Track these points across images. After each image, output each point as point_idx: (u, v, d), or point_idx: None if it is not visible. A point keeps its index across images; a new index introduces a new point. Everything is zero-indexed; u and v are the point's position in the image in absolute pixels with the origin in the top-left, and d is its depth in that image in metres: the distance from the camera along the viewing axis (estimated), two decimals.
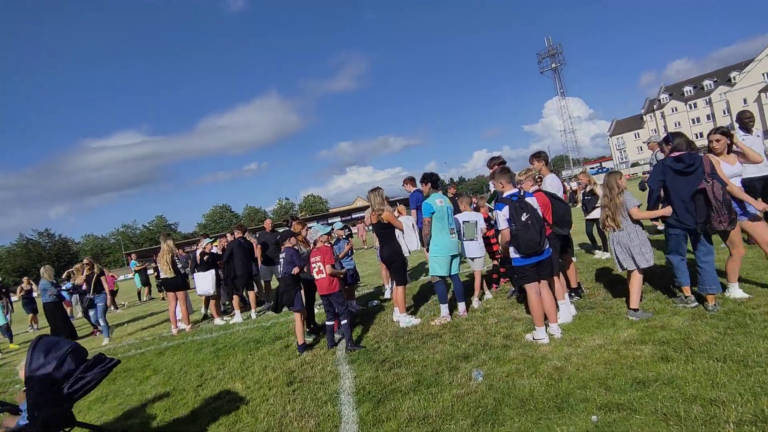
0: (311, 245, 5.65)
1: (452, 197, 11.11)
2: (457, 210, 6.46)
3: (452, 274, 5.70)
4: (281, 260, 5.70)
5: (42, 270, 10.70)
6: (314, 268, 5.42)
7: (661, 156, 8.21)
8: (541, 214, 4.38)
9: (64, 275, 11.57)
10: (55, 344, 2.94)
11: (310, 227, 5.58)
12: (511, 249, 4.42)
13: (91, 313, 9.49)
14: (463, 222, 6.30)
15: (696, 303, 4.48)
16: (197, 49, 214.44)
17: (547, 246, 4.37)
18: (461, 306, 5.75)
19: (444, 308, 5.66)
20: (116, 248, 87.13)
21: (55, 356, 2.84)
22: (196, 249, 9.60)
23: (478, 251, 6.29)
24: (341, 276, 5.66)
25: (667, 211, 4.51)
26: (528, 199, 4.39)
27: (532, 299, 4.39)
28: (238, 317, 8.35)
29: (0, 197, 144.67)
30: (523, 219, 4.23)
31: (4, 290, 13.13)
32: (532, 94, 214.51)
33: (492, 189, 7.25)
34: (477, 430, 2.97)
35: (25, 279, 12.82)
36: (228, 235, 9.49)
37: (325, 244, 5.55)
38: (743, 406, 2.67)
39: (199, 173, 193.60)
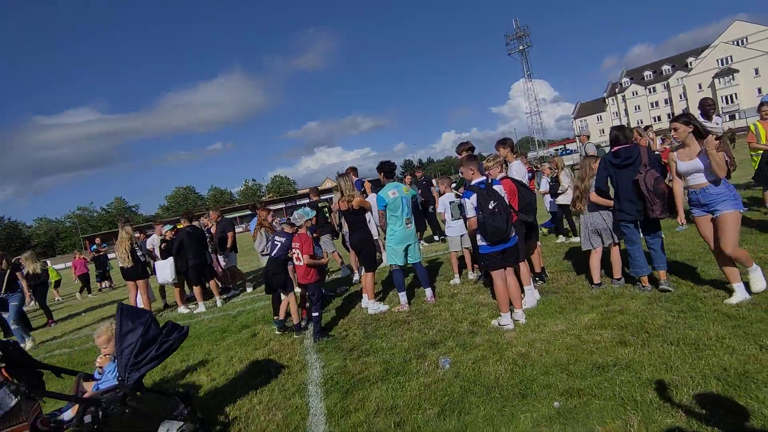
0: (294, 230, 5.54)
1: (422, 180, 11.22)
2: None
3: (414, 262, 5.74)
4: (268, 243, 5.63)
5: (24, 258, 10.04)
6: (294, 254, 5.36)
7: (591, 148, 8.49)
8: (507, 202, 4.43)
9: None
10: (137, 311, 3.24)
11: (297, 211, 5.46)
12: (479, 236, 4.46)
13: (5, 315, 8.25)
14: (449, 203, 6.54)
15: (651, 290, 4.67)
16: (157, 22, 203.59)
17: (514, 233, 4.43)
18: (428, 292, 5.80)
19: (402, 296, 5.71)
20: (72, 232, 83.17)
21: (141, 322, 3.06)
22: (146, 238, 9.20)
23: (459, 230, 6.53)
24: (320, 266, 5.59)
25: (608, 202, 4.88)
26: (496, 187, 4.42)
27: (498, 286, 4.45)
28: (201, 307, 8.13)
29: None
30: (490, 207, 4.25)
31: None
32: (500, 76, 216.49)
33: (461, 175, 7.29)
34: (443, 420, 3.01)
35: None
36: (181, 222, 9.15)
37: (306, 231, 5.47)
38: (694, 389, 2.81)
39: (160, 153, 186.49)
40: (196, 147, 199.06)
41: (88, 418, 2.84)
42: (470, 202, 4.44)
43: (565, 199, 7.74)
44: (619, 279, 5.07)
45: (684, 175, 4.18)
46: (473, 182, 4.54)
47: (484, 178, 4.52)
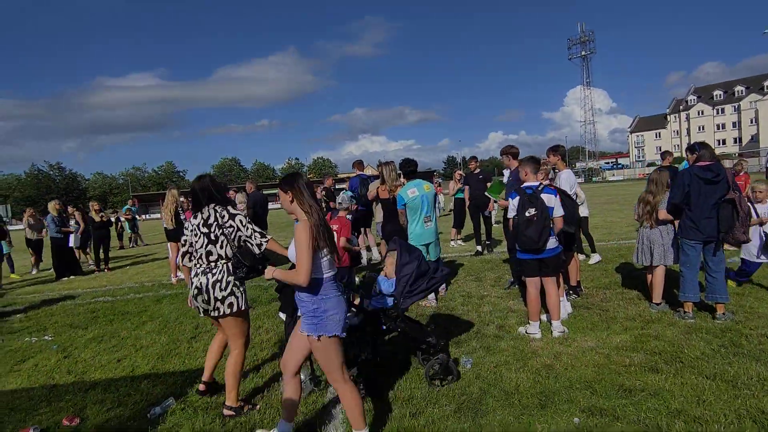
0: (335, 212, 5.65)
1: (479, 174, 9.92)
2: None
3: (432, 261, 5.72)
4: None
5: (50, 205, 10.84)
6: None
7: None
8: (557, 213, 4.33)
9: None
10: (411, 248, 3.68)
11: (343, 194, 5.58)
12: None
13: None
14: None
15: (693, 319, 4.46)
16: None
17: (556, 245, 4.32)
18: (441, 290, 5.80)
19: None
20: (124, 189, 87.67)
21: (415, 257, 3.49)
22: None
23: None
24: (354, 252, 5.66)
25: (672, 218, 4.73)
26: (544, 196, 4.30)
27: (531, 294, 4.38)
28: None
29: (14, 125, 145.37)
30: (527, 214, 4.17)
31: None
32: (556, 81, 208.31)
33: (505, 175, 7.13)
34: (459, 418, 3.01)
35: (27, 211, 12.53)
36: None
37: (346, 215, 5.56)
38: (726, 427, 2.68)
39: (210, 123, 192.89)
40: (244, 121, 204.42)
41: (369, 327, 3.49)
42: (513, 203, 4.37)
43: (584, 212, 7.35)
44: (659, 303, 4.86)
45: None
46: (524, 185, 4.46)
47: (537, 183, 4.40)
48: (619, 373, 3.47)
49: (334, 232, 5.31)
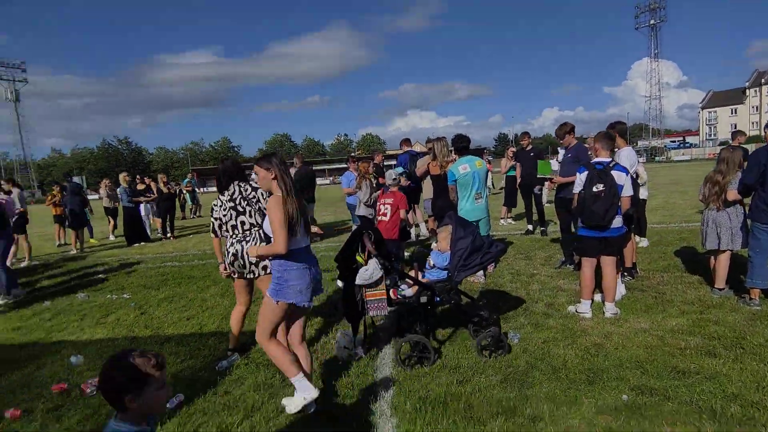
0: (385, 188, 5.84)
1: (530, 151, 9.24)
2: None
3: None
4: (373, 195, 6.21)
5: (120, 176, 11.74)
6: (379, 210, 5.61)
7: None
8: (626, 192, 4.21)
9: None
10: (465, 222, 3.83)
11: (393, 170, 5.77)
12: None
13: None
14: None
15: (759, 306, 4.24)
16: None
17: (621, 225, 4.23)
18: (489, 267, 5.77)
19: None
20: (185, 163, 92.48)
21: (470, 231, 3.62)
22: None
23: None
24: (404, 226, 5.82)
25: (741, 199, 4.46)
26: (615, 173, 4.17)
27: (585, 272, 4.33)
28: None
29: (85, 101, 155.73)
30: (594, 190, 4.08)
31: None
32: (620, 53, 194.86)
33: (560, 153, 6.94)
34: (505, 388, 3.11)
35: (104, 182, 13.65)
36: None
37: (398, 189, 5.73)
38: None
39: (263, 100, 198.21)
40: (295, 98, 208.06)
41: (423, 298, 3.63)
42: (580, 178, 4.29)
43: (643, 194, 6.94)
44: (722, 288, 4.65)
45: None
46: (594, 159, 4.36)
47: (609, 160, 4.27)
48: (673, 355, 3.41)
49: (387, 206, 5.51)
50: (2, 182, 9.25)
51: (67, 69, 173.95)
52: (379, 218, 5.62)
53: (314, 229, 4.03)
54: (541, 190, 8.65)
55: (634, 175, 5.73)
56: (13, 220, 7.68)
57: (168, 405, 3.15)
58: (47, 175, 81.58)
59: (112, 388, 1.39)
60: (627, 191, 4.23)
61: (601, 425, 2.62)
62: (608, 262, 4.28)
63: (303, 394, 2.85)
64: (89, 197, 14.84)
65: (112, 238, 12.75)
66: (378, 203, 5.72)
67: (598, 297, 4.57)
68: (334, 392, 3.24)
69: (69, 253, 10.58)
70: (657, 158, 63.46)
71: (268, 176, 2.80)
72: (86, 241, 11.69)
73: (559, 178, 5.89)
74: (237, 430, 2.84)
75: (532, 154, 8.68)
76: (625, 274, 5.32)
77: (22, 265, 9.18)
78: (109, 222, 13.02)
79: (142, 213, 12.10)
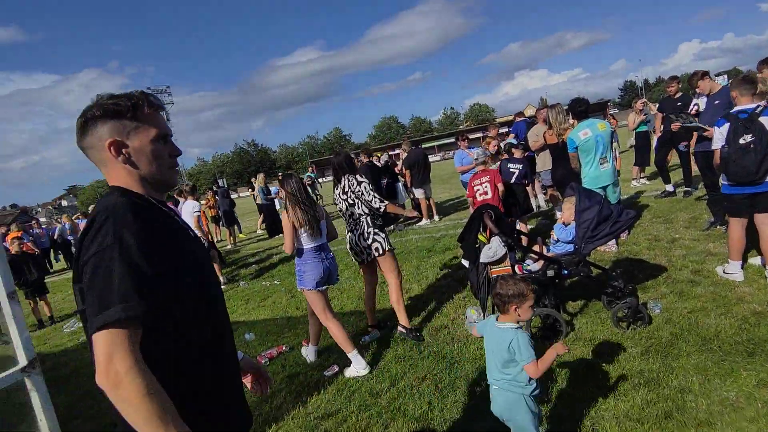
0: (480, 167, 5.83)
1: (674, 96, 7.42)
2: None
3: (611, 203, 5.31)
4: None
5: (257, 177, 13.29)
6: (477, 190, 5.62)
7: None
8: None
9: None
10: (591, 193, 3.79)
11: (478, 149, 5.80)
12: (722, 175, 3.90)
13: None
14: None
15: None
16: None
17: None
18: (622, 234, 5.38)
19: None
20: (303, 156, 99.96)
21: (596, 201, 3.60)
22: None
23: None
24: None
25: None
26: (763, 119, 3.65)
27: (733, 231, 3.91)
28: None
29: (218, 112, 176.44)
30: (742, 142, 3.62)
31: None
32: None
33: (694, 104, 6.10)
34: (647, 359, 3.02)
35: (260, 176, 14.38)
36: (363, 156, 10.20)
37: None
38: None
39: (367, 85, 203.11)
40: (397, 78, 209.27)
41: (550, 272, 3.73)
42: (720, 132, 3.84)
43: None
44: None
45: None
46: (735, 109, 3.88)
47: (752, 106, 3.74)
48: None
49: (485, 184, 5.48)
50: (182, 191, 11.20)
51: (201, 87, 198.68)
52: (480, 198, 5.58)
53: (410, 212, 4.29)
54: (687, 146, 7.44)
55: None
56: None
57: (325, 373, 3.72)
58: (196, 181, 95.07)
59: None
60: None
61: (763, 398, 2.44)
62: (764, 221, 3.77)
63: (357, 367, 3.60)
64: (233, 196, 17.10)
65: (259, 231, 14.55)
66: (472, 185, 5.70)
67: (758, 260, 4.07)
68: (468, 362, 3.47)
69: (225, 247, 12.40)
70: None
71: (284, 193, 3.68)
72: (237, 235, 13.55)
73: (712, 129, 5.22)
74: (386, 395, 3.23)
75: (679, 102, 7.21)
76: None
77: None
78: (260, 215, 14.71)
79: (278, 207, 13.59)
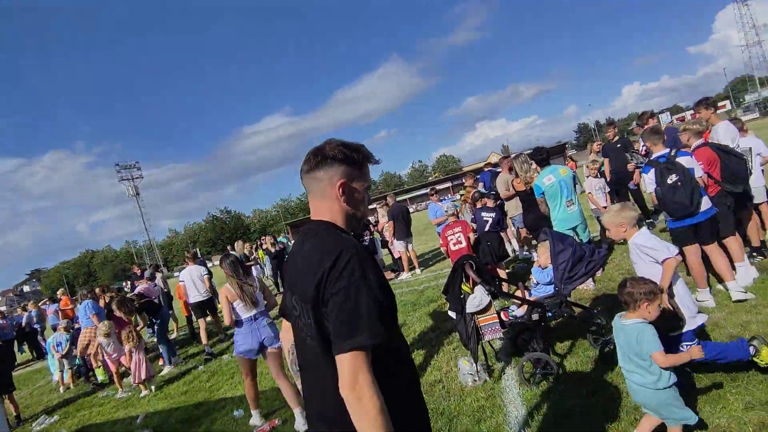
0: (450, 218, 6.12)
1: (616, 142, 8.04)
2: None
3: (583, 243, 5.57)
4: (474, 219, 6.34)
5: (236, 245, 13.17)
6: (451, 240, 5.81)
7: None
8: (697, 173, 4.06)
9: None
10: (562, 236, 3.93)
11: (448, 203, 6.10)
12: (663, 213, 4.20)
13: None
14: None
15: None
16: (329, 30, 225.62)
17: (710, 206, 4.04)
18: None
19: None
20: (277, 219, 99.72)
21: (569, 243, 3.74)
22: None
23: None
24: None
25: None
26: (681, 159, 4.07)
27: (691, 261, 4.16)
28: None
29: (189, 182, 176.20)
30: (669, 181, 3.97)
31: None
32: (696, 7, 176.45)
33: (642, 146, 6.61)
34: None
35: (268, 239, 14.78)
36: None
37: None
38: None
39: None
40: (365, 137, 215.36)
41: (535, 316, 3.76)
42: (649, 177, 4.20)
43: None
44: None
45: None
46: (653, 156, 4.27)
47: (666, 151, 4.18)
48: None
49: (458, 234, 5.69)
50: (140, 269, 10.95)
51: (171, 159, 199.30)
52: (455, 248, 5.77)
53: (388, 275, 4.55)
54: (636, 184, 7.90)
55: (736, 146, 5.08)
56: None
57: None
58: (168, 253, 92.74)
59: None
60: (698, 172, 4.12)
61: (753, 422, 2.53)
62: (710, 249, 4.11)
63: (301, 427, 3.86)
64: (210, 265, 16.76)
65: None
66: (446, 235, 5.90)
67: (720, 286, 4.30)
68: (467, 416, 3.44)
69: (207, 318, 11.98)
70: None
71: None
72: (217, 306, 13.18)
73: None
74: None
75: (619, 145, 7.91)
76: (754, 254, 4.91)
77: (172, 337, 10.62)
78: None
79: (255, 273, 13.41)
